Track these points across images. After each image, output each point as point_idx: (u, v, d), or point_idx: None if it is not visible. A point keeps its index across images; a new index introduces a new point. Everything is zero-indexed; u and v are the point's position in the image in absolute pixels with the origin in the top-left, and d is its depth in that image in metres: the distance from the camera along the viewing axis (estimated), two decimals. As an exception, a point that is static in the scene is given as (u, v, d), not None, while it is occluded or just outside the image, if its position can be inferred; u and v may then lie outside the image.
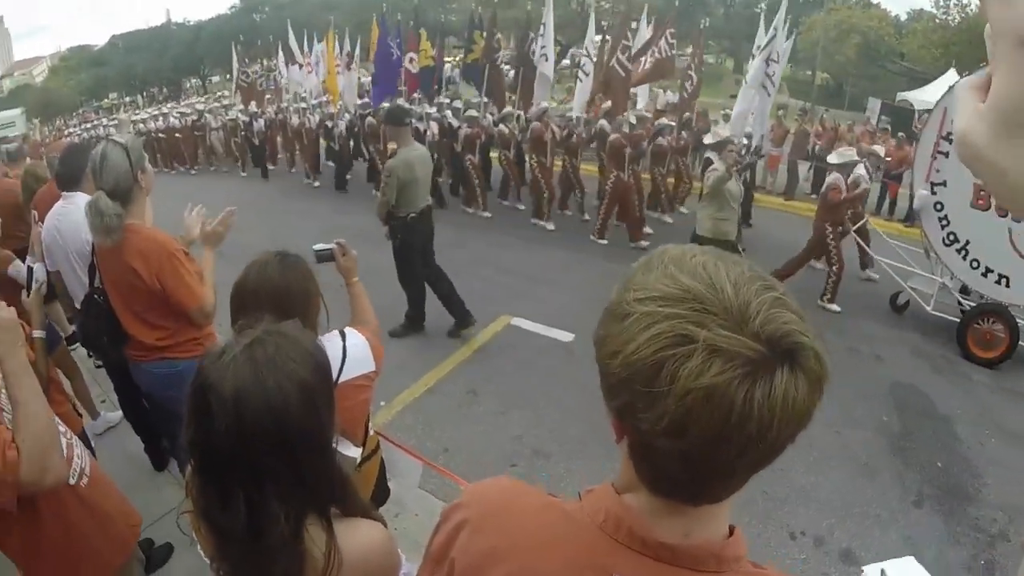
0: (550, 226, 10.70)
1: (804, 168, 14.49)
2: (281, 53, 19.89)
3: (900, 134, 14.32)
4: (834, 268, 7.55)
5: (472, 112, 12.39)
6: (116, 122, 21.63)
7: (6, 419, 1.88)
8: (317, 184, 15.52)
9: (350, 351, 2.15)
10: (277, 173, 17.50)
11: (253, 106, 18.43)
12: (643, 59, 11.59)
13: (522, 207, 12.09)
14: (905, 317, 7.44)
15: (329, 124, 15.34)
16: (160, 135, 20.90)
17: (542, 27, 12.01)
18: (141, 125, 21.83)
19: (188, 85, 58.60)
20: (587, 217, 11.31)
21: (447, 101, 14.06)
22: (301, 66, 18.47)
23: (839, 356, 6.24)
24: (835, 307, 7.55)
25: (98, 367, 4.92)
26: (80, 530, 2.10)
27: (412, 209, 6.02)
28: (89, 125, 27.95)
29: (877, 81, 31.65)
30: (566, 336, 6.46)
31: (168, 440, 4.22)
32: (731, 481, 0.77)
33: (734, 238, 7.05)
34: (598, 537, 0.84)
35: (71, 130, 28.50)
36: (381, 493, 2.70)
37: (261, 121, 17.67)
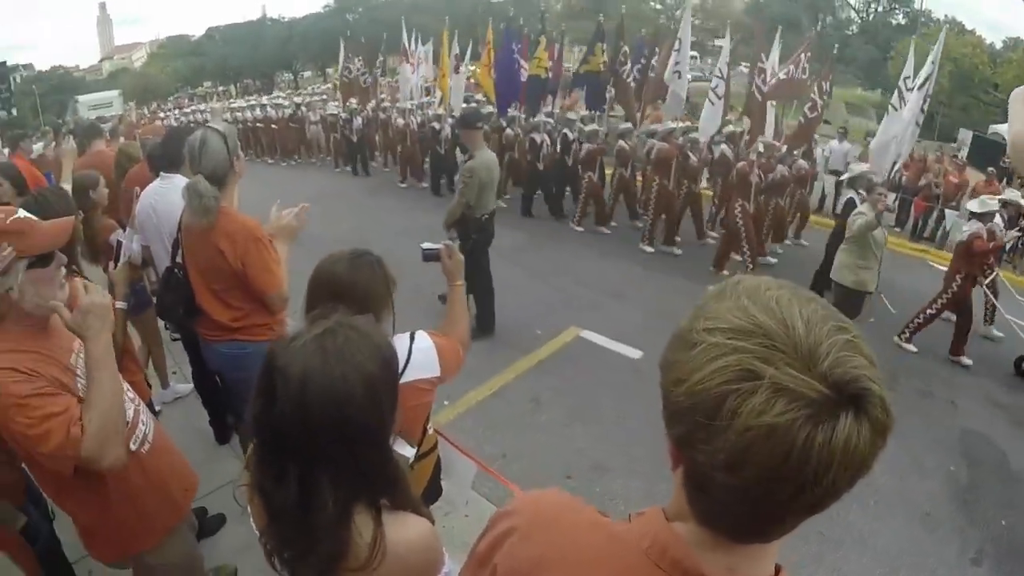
0: (649, 249, 10.16)
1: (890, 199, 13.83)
2: (383, 52, 20.21)
3: (990, 169, 13.33)
4: (960, 319, 7.02)
5: (595, 127, 11.68)
6: (209, 110, 22.31)
7: (80, 386, 1.94)
8: (404, 184, 15.38)
9: (415, 354, 2.18)
10: (371, 171, 17.36)
11: (353, 103, 18.25)
12: (774, 77, 10.88)
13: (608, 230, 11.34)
14: (986, 366, 6.97)
15: (436, 126, 14.38)
16: (257, 125, 21.08)
17: (678, 42, 11.31)
18: (238, 114, 22.10)
19: (280, 79, 60.56)
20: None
21: (553, 112, 13.73)
22: (412, 66, 18.16)
23: (911, 399, 5.98)
24: (911, 347, 7.17)
25: (174, 340, 5.12)
26: (136, 493, 2.16)
27: (486, 211, 6.19)
28: (181, 111, 29.07)
29: (969, 111, 30.29)
30: (635, 353, 6.36)
31: (233, 416, 4.35)
32: (783, 522, 0.76)
33: (873, 289, 6.61)
34: (642, 562, 0.84)
35: (165, 114, 29.60)
36: (433, 491, 2.72)
37: (360, 119, 17.34)
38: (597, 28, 13.80)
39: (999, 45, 36.91)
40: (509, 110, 13.73)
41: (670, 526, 0.85)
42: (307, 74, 60.56)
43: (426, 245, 2.70)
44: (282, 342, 1.32)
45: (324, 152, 19.67)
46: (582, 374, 6.00)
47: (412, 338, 2.23)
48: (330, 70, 56.40)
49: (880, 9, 45.32)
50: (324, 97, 22.25)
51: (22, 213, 1.96)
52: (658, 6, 49.72)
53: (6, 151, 13.83)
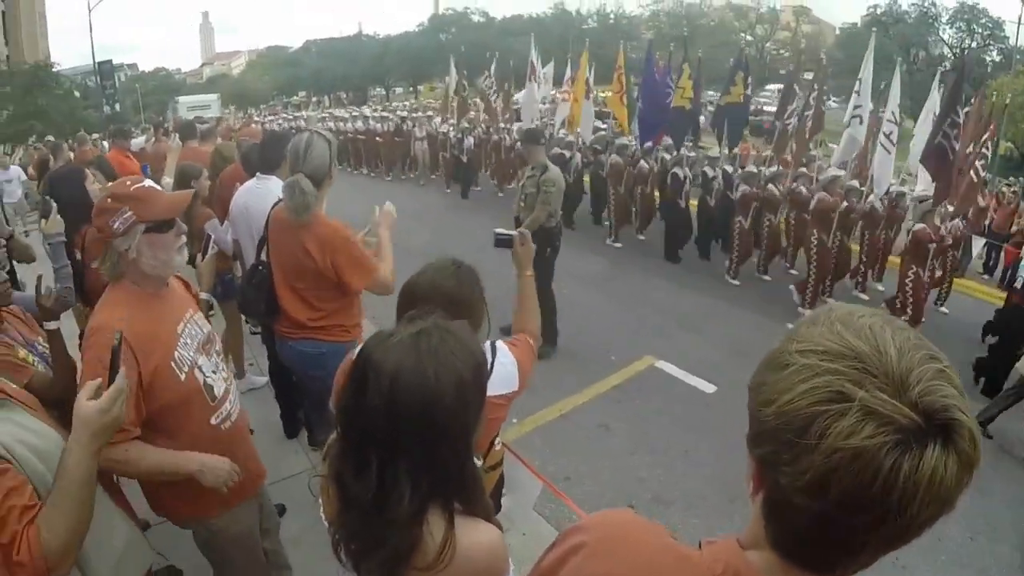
0: (735, 282, 9.82)
1: (978, 244, 12.29)
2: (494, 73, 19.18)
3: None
4: None
5: (752, 169, 10.51)
6: (305, 118, 22.98)
7: (179, 357, 2.12)
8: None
9: (496, 368, 2.15)
10: (479, 194, 16.54)
11: (465, 122, 17.25)
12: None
13: (767, 277, 10.37)
14: None
15: (567, 155, 13.03)
16: (359, 136, 20.52)
17: (858, 83, 9.84)
18: (341, 124, 21.82)
19: (373, 93, 62.34)
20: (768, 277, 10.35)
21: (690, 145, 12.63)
22: (538, 85, 16.50)
23: (988, 455, 5.51)
24: None
25: (254, 334, 5.26)
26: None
27: (556, 219, 6.52)
28: (276, 118, 30.09)
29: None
30: (708, 387, 6.22)
31: (304, 413, 4.44)
32: (860, 554, 0.75)
33: None
34: None
35: (259, 120, 30.73)
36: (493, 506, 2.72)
37: (471, 138, 16.40)
38: (739, 56, 12.93)
39: None
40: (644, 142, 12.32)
41: (744, 554, 0.84)
42: (399, 90, 62.20)
43: (499, 231, 2.68)
44: (378, 336, 1.34)
45: (428, 169, 18.78)
46: (653, 404, 5.92)
47: (494, 350, 2.21)
48: (421, 87, 57.67)
49: (974, 45, 44.03)
50: (430, 114, 21.59)
51: (147, 182, 2.13)
52: (748, 36, 49.33)
53: (106, 144, 14.67)
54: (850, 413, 0.67)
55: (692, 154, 12.04)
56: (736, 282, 9.88)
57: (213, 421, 2.24)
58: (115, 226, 1.99)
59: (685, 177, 11.02)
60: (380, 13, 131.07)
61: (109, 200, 2.03)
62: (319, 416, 3.57)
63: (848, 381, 0.69)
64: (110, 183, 3.12)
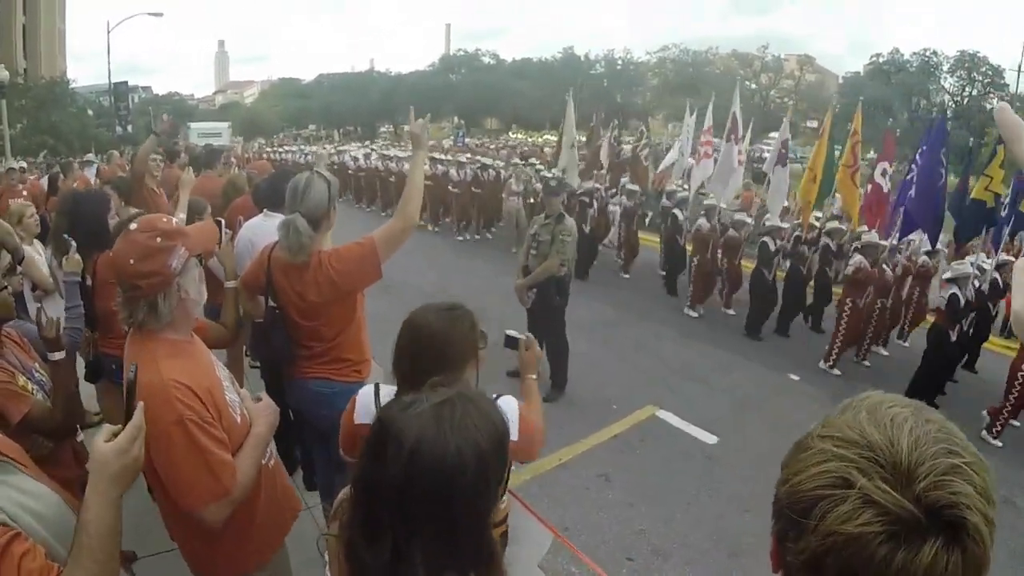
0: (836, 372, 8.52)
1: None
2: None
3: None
4: None
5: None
6: (315, 154, 22.96)
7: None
8: (695, 314, 10.59)
9: None
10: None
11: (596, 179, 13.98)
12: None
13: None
14: None
15: (677, 215, 11.53)
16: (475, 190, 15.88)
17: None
18: (391, 164, 18.54)
19: (382, 129, 63.11)
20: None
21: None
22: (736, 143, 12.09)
23: None
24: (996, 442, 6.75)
25: (252, 367, 5.23)
26: (259, 507, 2.18)
27: (568, 268, 6.65)
28: (286, 150, 30.28)
29: None
30: (710, 438, 6.15)
31: (302, 453, 4.37)
32: None
33: None
34: None
35: (270, 151, 30.98)
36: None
37: (616, 202, 13.31)
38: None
39: None
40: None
41: None
42: (406, 127, 63.11)
43: (510, 332, 2.73)
44: (400, 404, 1.33)
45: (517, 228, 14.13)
46: (654, 454, 5.87)
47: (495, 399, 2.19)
48: (430, 125, 58.51)
49: (975, 93, 44.78)
50: (535, 163, 17.32)
51: (175, 218, 2.10)
52: (753, 85, 50.00)
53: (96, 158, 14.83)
54: (849, 499, 0.69)
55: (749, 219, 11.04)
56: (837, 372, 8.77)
57: (262, 460, 2.19)
58: (174, 265, 1.91)
59: (779, 249, 9.85)
60: (393, 52, 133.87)
61: (159, 240, 1.91)
62: (323, 457, 3.50)
63: (855, 468, 0.71)
64: (132, 209, 3.14)
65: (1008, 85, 41.70)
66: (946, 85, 46.33)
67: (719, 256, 10.30)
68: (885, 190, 9.62)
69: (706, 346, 9.11)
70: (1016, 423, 7.21)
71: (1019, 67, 38.08)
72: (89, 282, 3.64)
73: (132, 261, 1.89)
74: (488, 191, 15.76)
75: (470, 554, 1.30)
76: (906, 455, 0.70)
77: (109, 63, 38.47)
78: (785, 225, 10.34)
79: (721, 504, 4.95)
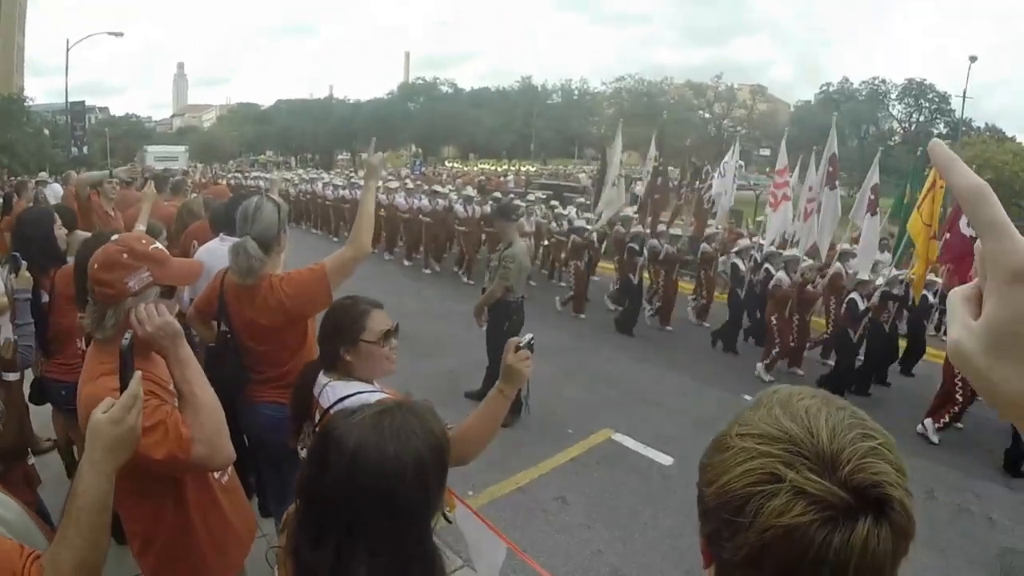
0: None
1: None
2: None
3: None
4: None
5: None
6: (268, 179, 22.66)
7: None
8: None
9: None
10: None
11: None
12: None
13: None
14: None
15: (739, 265, 10.45)
16: (424, 219, 15.22)
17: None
18: (399, 199, 16.05)
19: (340, 157, 62.89)
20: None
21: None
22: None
23: (947, 514, 5.74)
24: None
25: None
26: (216, 524, 2.18)
27: (520, 294, 6.75)
28: (243, 175, 29.95)
29: (1012, 220, 30.35)
30: (666, 459, 6.22)
31: (256, 479, 4.30)
32: None
33: None
34: None
35: (226, 176, 30.63)
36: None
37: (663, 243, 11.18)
38: None
39: None
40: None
41: None
42: (364, 155, 63.10)
43: (529, 335, 2.42)
44: (342, 413, 1.39)
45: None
46: (611, 476, 5.90)
47: None
48: (382, 153, 58.54)
49: (922, 119, 46.30)
50: (542, 198, 16.02)
51: (159, 244, 2.10)
52: (707, 115, 50.99)
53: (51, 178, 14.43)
54: (781, 493, 0.72)
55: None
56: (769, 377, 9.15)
57: (215, 474, 2.20)
58: (129, 284, 1.94)
59: (868, 309, 8.66)
60: (352, 79, 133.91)
61: (125, 256, 1.96)
62: (276, 483, 3.47)
63: (781, 463, 0.74)
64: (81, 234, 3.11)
65: (954, 111, 43.36)
66: (894, 112, 47.88)
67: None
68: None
69: (661, 370, 9.22)
70: (960, 426, 7.53)
71: (964, 93, 39.51)
72: (46, 298, 3.61)
73: (95, 266, 1.96)
74: (438, 220, 15.16)
75: (412, 559, 1.34)
76: (827, 444, 0.74)
77: (67, 82, 37.72)
78: (879, 279, 8.97)
79: (678, 523, 4.99)
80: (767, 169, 53.46)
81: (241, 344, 3.24)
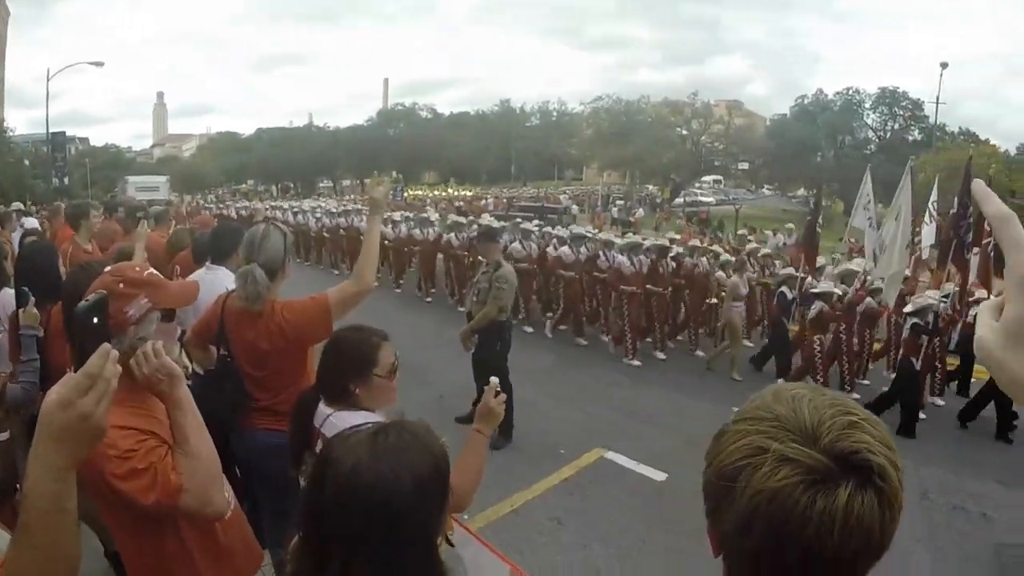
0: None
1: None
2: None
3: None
4: None
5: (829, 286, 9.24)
6: (249, 208, 22.62)
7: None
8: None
9: None
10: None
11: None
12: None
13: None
14: (1018, 475, 6.77)
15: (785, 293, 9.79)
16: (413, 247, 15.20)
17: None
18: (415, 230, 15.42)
19: (320, 185, 62.80)
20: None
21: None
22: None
23: (942, 514, 5.82)
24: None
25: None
26: (217, 558, 2.13)
27: (508, 315, 6.83)
28: (225, 205, 29.91)
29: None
30: (659, 475, 6.22)
31: (251, 507, 4.25)
32: None
33: None
34: None
35: (209, 207, 30.59)
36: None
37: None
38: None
39: (1014, 152, 38.83)
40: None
41: None
42: (347, 183, 62.95)
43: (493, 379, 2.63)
44: (340, 436, 1.41)
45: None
46: (605, 495, 5.90)
47: None
48: (367, 180, 58.64)
49: (897, 127, 46.85)
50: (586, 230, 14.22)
51: (153, 270, 2.08)
52: (684, 132, 51.36)
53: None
54: (767, 462, 0.79)
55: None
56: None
57: None
58: (130, 313, 1.91)
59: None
60: (331, 106, 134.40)
61: (122, 285, 1.92)
62: (273, 510, 3.43)
63: (767, 437, 0.81)
64: (85, 264, 3.10)
65: (928, 117, 43.76)
66: (869, 121, 48.35)
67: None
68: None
69: (651, 387, 9.27)
70: (941, 402, 8.09)
71: (937, 99, 40.04)
72: (41, 333, 3.58)
73: (103, 291, 1.84)
74: (428, 249, 14.92)
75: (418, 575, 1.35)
76: (808, 418, 0.81)
77: (47, 112, 37.51)
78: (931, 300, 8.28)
79: (674, 538, 4.97)
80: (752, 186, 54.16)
81: (240, 369, 3.25)
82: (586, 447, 6.84)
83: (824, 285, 8.97)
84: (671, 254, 10.88)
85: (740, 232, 18.47)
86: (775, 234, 20.99)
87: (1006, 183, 31.51)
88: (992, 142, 40.75)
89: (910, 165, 9.61)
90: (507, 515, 5.41)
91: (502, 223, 14.34)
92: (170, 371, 1.88)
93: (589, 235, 12.64)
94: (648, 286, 10.28)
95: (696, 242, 12.46)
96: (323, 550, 1.30)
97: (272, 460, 3.18)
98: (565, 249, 11.49)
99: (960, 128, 44.63)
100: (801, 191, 50.54)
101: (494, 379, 2.53)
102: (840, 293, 8.85)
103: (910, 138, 45.41)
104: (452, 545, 2.26)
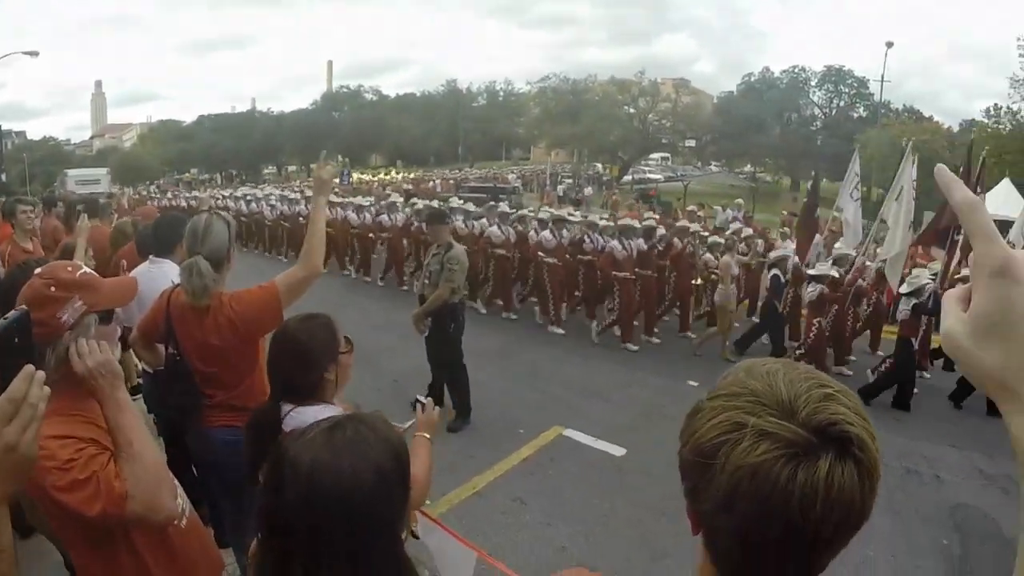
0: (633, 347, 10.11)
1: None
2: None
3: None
4: None
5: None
6: (196, 198, 22.11)
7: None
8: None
9: None
10: None
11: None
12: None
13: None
14: (970, 439, 7.03)
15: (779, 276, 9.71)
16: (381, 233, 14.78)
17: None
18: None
19: (266, 171, 61.70)
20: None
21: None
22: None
23: (897, 478, 6.00)
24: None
25: (156, 423, 4.99)
26: (173, 566, 2.06)
27: (460, 296, 6.77)
28: (169, 195, 29.18)
29: (932, 195, 31.48)
30: (618, 450, 6.29)
31: (210, 507, 4.18)
32: (785, 566, 0.83)
33: None
34: None
35: (153, 198, 29.82)
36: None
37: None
38: None
39: (956, 128, 39.79)
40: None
41: None
42: (292, 168, 61.90)
43: (419, 397, 2.77)
44: (294, 434, 1.35)
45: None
46: (565, 473, 5.94)
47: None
48: (313, 165, 57.76)
49: (842, 104, 48.00)
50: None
51: (87, 268, 1.96)
52: (631, 110, 51.62)
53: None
54: (746, 437, 0.78)
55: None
56: (635, 347, 10.08)
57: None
58: (64, 319, 1.79)
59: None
60: (274, 91, 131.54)
61: (53, 289, 1.80)
62: (232, 510, 3.36)
63: (744, 412, 0.80)
64: (21, 264, 2.96)
65: (872, 94, 44.91)
66: (815, 99, 49.32)
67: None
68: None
69: (602, 363, 9.36)
70: (927, 375, 8.21)
71: (882, 77, 41.00)
72: None
73: (24, 307, 1.78)
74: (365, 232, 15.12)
75: (383, 571, 1.32)
76: (784, 392, 0.80)
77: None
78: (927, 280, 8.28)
79: (637, 512, 5.08)
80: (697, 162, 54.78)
81: (191, 366, 3.14)
82: (544, 426, 6.87)
83: (821, 267, 9.06)
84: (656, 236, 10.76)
85: (689, 208, 18.62)
86: (724, 209, 21.25)
87: (949, 159, 32.65)
88: (936, 119, 42.02)
89: (909, 146, 9.69)
90: (470, 498, 5.41)
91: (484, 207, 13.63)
92: (112, 369, 1.80)
93: (570, 218, 12.47)
94: (637, 269, 10.24)
95: (685, 222, 12.35)
96: (285, 552, 1.27)
97: (232, 457, 3.08)
98: (546, 233, 11.21)
99: (904, 105, 46.05)
100: (748, 167, 51.44)
101: (427, 400, 2.68)
102: (836, 275, 8.96)
103: (855, 115, 46.59)
104: (417, 537, 2.26)
